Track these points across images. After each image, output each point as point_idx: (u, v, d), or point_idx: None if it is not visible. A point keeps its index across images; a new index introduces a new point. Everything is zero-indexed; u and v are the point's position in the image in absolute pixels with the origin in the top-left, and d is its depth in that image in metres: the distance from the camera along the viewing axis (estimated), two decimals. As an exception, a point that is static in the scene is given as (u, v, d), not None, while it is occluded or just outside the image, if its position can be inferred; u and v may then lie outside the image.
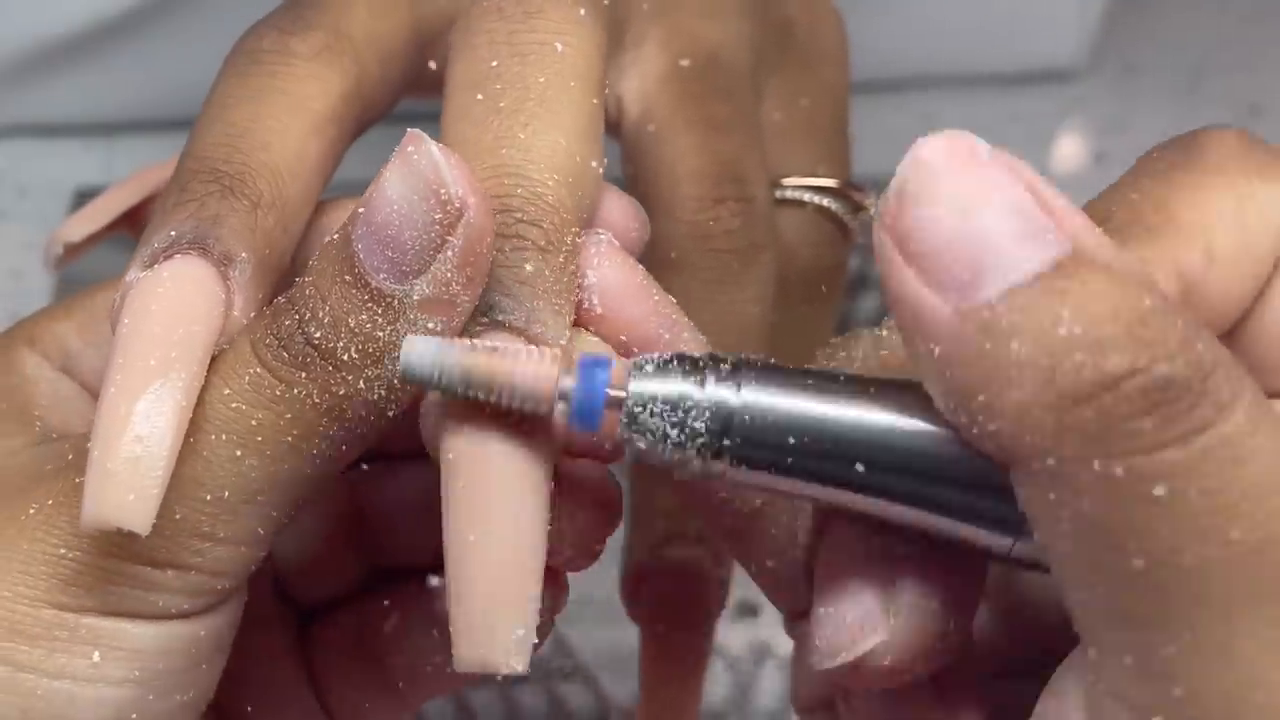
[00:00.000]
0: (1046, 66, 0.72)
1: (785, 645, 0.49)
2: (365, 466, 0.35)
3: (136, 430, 0.27)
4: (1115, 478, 0.23)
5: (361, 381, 0.28)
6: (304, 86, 0.32)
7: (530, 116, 0.30)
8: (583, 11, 0.32)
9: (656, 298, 0.30)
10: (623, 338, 0.30)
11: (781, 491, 0.27)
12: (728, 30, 0.40)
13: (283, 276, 0.31)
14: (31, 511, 0.28)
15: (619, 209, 0.32)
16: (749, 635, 0.49)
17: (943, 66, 0.71)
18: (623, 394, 0.27)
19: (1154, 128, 0.71)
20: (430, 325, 0.28)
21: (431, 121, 0.36)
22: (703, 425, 0.26)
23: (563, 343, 0.29)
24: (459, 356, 0.27)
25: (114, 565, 0.28)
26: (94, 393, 0.34)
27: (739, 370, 0.27)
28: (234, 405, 0.28)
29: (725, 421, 0.26)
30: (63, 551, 0.28)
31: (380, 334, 0.28)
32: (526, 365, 0.27)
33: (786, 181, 0.41)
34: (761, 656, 0.48)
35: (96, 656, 0.28)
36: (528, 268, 0.29)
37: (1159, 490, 0.23)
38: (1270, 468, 0.24)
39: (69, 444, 0.30)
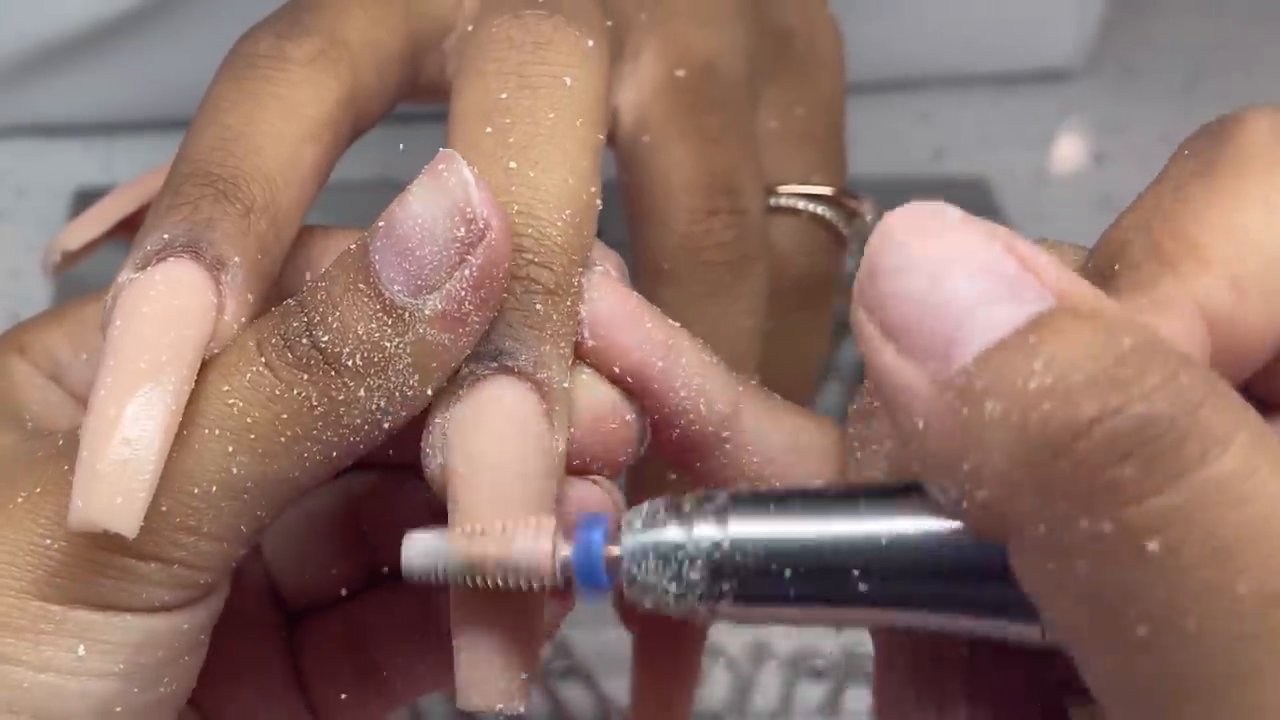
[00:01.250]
0: (1045, 67, 0.72)
1: (784, 646, 0.49)
2: (365, 472, 0.35)
3: (126, 433, 0.27)
4: (1104, 535, 0.21)
5: (362, 390, 0.28)
6: (299, 92, 0.31)
7: (540, 154, 0.30)
8: (591, 43, 0.32)
9: (649, 325, 0.30)
10: (616, 369, 0.30)
11: (800, 620, 0.26)
12: (724, 40, 0.40)
13: (274, 282, 0.31)
14: (19, 500, 0.28)
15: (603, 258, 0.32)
16: (748, 635, 0.49)
17: (942, 66, 0.71)
18: (618, 552, 0.26)
19: (1152, 128, 0.71)
20: (441, 340, 0.28)
21: (425, 122, 0.36)
22: (698, 574, 0.25)
23: (564, 387, 0.29)
24: (456, 549, 0.27)
25: (100, 557, 0.28)
26: (83, 402, 0.33)
27: (724, 506, 0.26)
28: (231, 401, 0.28)
29: (717, 566, 0.25)
30: (49, 542, 0.28)
31: (387, 344, 0.28)
32: (523, 544, 0.27)
33: (781, 189, 0.41)
34: (761, 657, 0.48)
35: (81, 650, 0.28)
36: (538, 310, 0.29)
37: (1152, 545, 0.21)
38: (1276, 510, 0.21)
39: (60, 434, 0.30)
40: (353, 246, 0.29)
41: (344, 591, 0.37)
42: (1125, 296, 0.26)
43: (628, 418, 0.31)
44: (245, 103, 0.31)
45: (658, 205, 0.37)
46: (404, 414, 0.29)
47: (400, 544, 0.35)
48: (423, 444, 0.30)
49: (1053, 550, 0.22)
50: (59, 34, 0.62)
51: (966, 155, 0.68)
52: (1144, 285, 0.26)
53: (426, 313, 0.28)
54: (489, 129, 0.30)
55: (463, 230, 0.28)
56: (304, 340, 0.28)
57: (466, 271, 0.28)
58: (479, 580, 0.27)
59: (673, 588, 0.26)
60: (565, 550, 0.27)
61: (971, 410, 0.22)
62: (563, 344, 0.29)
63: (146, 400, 0.27)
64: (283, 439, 0.28)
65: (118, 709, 0.29)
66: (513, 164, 0.30)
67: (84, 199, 0.61)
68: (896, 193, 0.56)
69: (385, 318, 0.28)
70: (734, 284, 0.37)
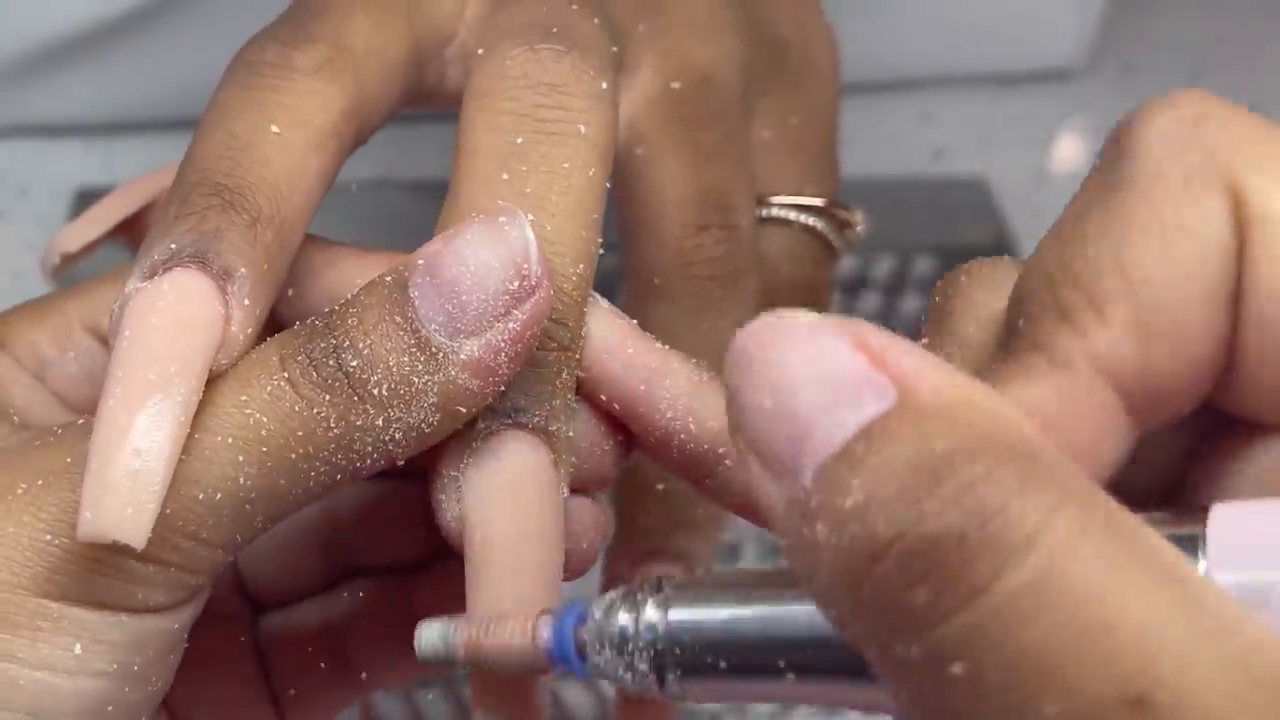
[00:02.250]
0: (1045, 66, 0.72)
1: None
2: None
3: (135, 444, 0.27)
4: (915, 661, 0.20)
5: (381, 419, 0.28)
6: (305, 101, 0.31)
7: (556, 208, 0.30)
8: (604, 85, 0.32)
9: (631, 350, 0.31)
10: (603, 397, 0.31)
11: (754, 698, 0.27)
12: (720, 52, 0.40)
13: (278, 292, 0.31)
14: (19, 491, 0.28)
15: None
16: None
17: (942, 66, 0.71)
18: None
19: (1153, 128, 0.71)
20: (470, 385, 0.29)
21: (425, 122, 0.36)
22: (643, 662, 0.26)
23: (569, 436, 0.30)
24: (462, 639, 0.28)
25: (99, 555, 0.28)
26: (68, 403, 0.34)
27: (667, 596, 0.26)
28: (248, 412, 0.28)
29: (659, 654, 0.26)
30: (49, 538, 0.28)
31: (416, 379, 0.28)
32: (514, 641, 0.28)
33: (774, 200, 0.41)
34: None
35: (78, 648, 0.28)
36: (552, 367, 0.30)
37: (955, 669, 0.20)
38: (1085, 617, 0.19)
39: (58, 426, 0.30)
40: (388, 278, 0.29)
41: (315, 585, 0.37)
42: (1022, 359, 0.24)
43: (605, 448, 0.32)
44: (252, 111, 0.31)
45: (650, 219, 0.37)
46: (415, 449, 0.29)
47: (378, 547, 0.36)
48: (434, 492, 0.31)
49: (885, 671, 0.21)
50: (59, 34, 0.62)
51: (966, 155, 0.68)
52: (1041, 345, 0.24)
53: (462, 356, 0.28)
54: (505, 175, 0.31)
55: (515, 284, 0.28)
56: (331, 361, 0.28)
57: (511, 325, 0.28)
58: (479, 668, 0.28)
59: (626, 675, 0.26)
60: (546, 635, 0.28)
61: (809, 530, 0.21)
62: (569, 395, 0.31)
63: (156, 411, 0.27)
64: (294, 455, 0.28)
65: (109, 708, 0.29)
66: (530, 217, 0.30)
67: (84, 199, 0.61)
68: (897, 193, 0.56)
69: (418, 354, 0.28)
70: (724, 299, 0.37)
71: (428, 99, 0.36)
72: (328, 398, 0.28)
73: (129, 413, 0.27)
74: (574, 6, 0.34)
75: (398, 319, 0.28)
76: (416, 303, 0.28)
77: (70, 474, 0.28)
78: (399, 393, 0.28)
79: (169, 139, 0.65)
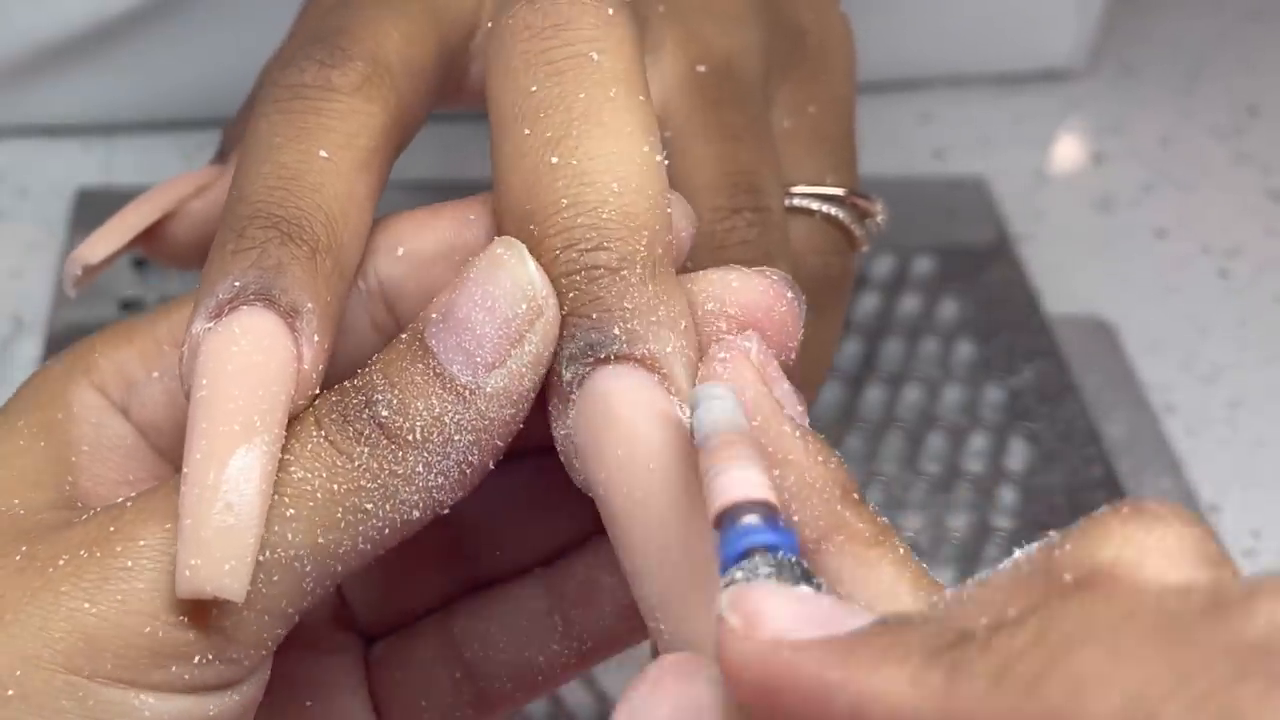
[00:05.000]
0: (1045, 67, 0.72)
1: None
2: None
3: (228, 498, 0.27)
4: None
5: (421, 464, 0.28)
6: (349, 123, 0.31)
7: (579, 139, 0.30)
8: (611, 10, 0.31)
9: (756, 423, 0.29)
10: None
11: None
12: (741, 38, 0.39)
13: (341, 323, 0.31)
14: (60, 563, 0.28)
15: (674, 211, 0.32)
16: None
17: (942, 66, 0.71)
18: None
19: (1152, 128, 0.71)
20: (503, 416, 0.29)
21: (427, 123, 0.36)
22: None
23: (668, 350, 0.29)
24: (718, 436, 0.26)
25: (135, 624, 0.27)
26: (149, 433, 0.33)
27: None
28: (291, 470, 0.28)
29: None
30: (87, 606, 0.27)
31: (448, 419, 0.28)
32: (729, 482, 0.25)
33: (794, 190, 0.41)
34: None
35: None
36: (606, 295, 0.29)
37: None
38: None
39: (95, 510, 0.29)
40: (404, 335, 0.29)
41: (429, 605, 0.36)
42: (940, 662, 0.22)
43: (789, 295, 0.31)
44: (299, 137, 0.31)
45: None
46: (460, 492, 0.29)
47: (499, 550, 0.35)
48: (560, 454, 0.30)
49: None
50: (59, 34, 0.62)
51: (966, 155, 0.68)
52: (959, 674, 0.21)
53: (488, 390, 0.28)
54: (526, 130, 0.30)
55: (524, 307, 0.28)
56: (365, 414, 0.28)
57: (528, 348, 0.28)
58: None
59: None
60: (742, 518, 0.25)
61: None
62: (654, 313, 0.29)
63: (243, 463, 0.27)
64: (339, 511, 0.28)
65: None
66: (554, 159, 0.30)
67: (84, 199, 0.61)
68: (896, 192, 0.56)
69: (445, 394, 0.28)
70: None
71: (453, 98, 0.36)
72: (366, 450, 0.28)
73: (218, 467, 0.27)
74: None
75: (420, 365, 0.28)
76: (435, 348, 0.28)
77: (112, 542, 0.27)
78: (433, 434, 0.28)
79: (169, 139, 0.65)
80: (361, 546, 0.28)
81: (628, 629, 0.34)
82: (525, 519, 0.35)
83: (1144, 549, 0.23)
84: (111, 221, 0.37)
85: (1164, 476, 0.55)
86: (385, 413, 0.28)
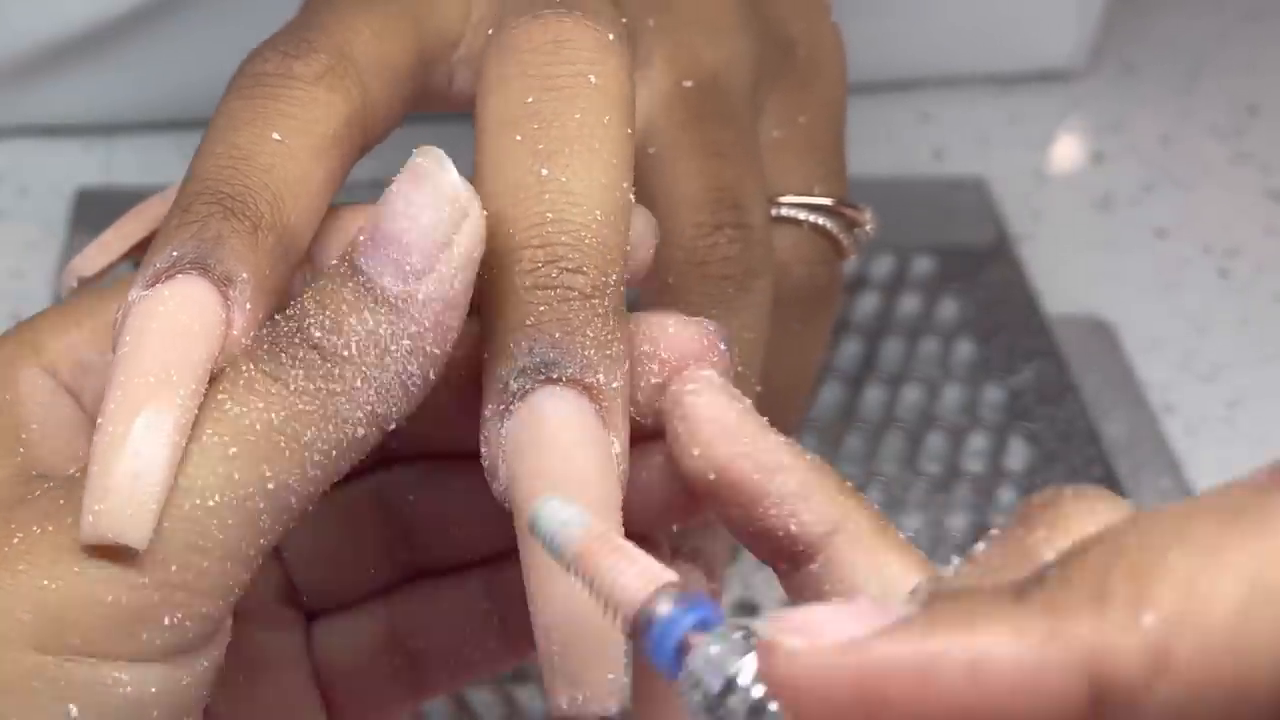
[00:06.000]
0: (1045, 67, 0.72)
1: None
2: (406, 466, 0.35)
3: (135, 446, 0.27)
4: None
5: (360, 379, 0.28)
6: (307, 110, 0.31)
7: (571, 157, 0.30)
8: (611, 36, 0.32)
9: (746, 439, 0.30)
10: (710, 477, 0.30)
11: None
12: (731, 51, 0.39)
13: (281, 299, 0.31)
14: (15, 541, 0.27)
15: (639, 225, 0.32)
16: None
17: (942, 66, 0.71)
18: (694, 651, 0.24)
19: (1152, 128, 0.71)
20: (440, 322, 0.29)
21: (425, 123, 0.36)
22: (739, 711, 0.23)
23: (614, 386, 0.29)
24: (576, 545, 0.25)
25: (96, 593, 0.27)
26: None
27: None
28: (227, 406, 0.28)
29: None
30: (45, 583, 0.27)
31: (382, 330, 0.28)
32: (628, 583, 0.25)
33: (782, 199, 0.41)
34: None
35: (74, 711, 0.27)
36: (576, 317, 0.29)
37: None
38: None
39: (51, 480, 0.29)
40: (333, 261, 0.29)
41: (374, 589, 0.36)
42: (1030, 607, 0.21)
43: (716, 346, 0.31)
44: (254, 121, 0.31)
45: (662, 219, 0.37)
46: (404, 408, 0.29)
47: (445, 543, 0.35)
48: (482, 458, 0.30)
49: None
50: (59, 34, 0.62)
51: (966, 155, 0.68)
52: (1057, 609, 0.21)
53: (420, 296, 0.28)
54: (518, 136, 0.31)
55: (447, 210, 0.29)
56: (296, 339, 0.28)
57: (457, 250, 0.29)
58: (572, 576, 0.25)
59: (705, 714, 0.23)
60: (663, 611, 0.24)
61: None
62: (608, 347, 0.29)
63: (155, 413, 0.27)
64: (281, 439, 0.28)
65: None
66: (544, 171, 0.30)
67: (84, 199, 0.61)
68: (896, 192, 0.56)
69: (378, 307, 0.28)
70: (737, 298, 0.37)
71: (436, 102, 0.36)
72: (301, 372, 0.28)
73: (128, 417, 0.27)
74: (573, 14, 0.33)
75: (350, 285, 0.29)
76: (363, 266, 0.29)
77: (63, 514, 0.27)
78: (368, 347, 0.28)
79: (169, 139, 0.65)
80: (311, 473, 0.28)
81: None
82: (472, 517, 0.35)
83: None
84: (107, 234, 0.38)
85: (1163, 476, 0.55)
86: (318, 333, 0.28)
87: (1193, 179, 0.69)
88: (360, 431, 0.29)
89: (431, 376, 0.29)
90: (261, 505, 0.28)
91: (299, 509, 0.29)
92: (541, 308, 0.29)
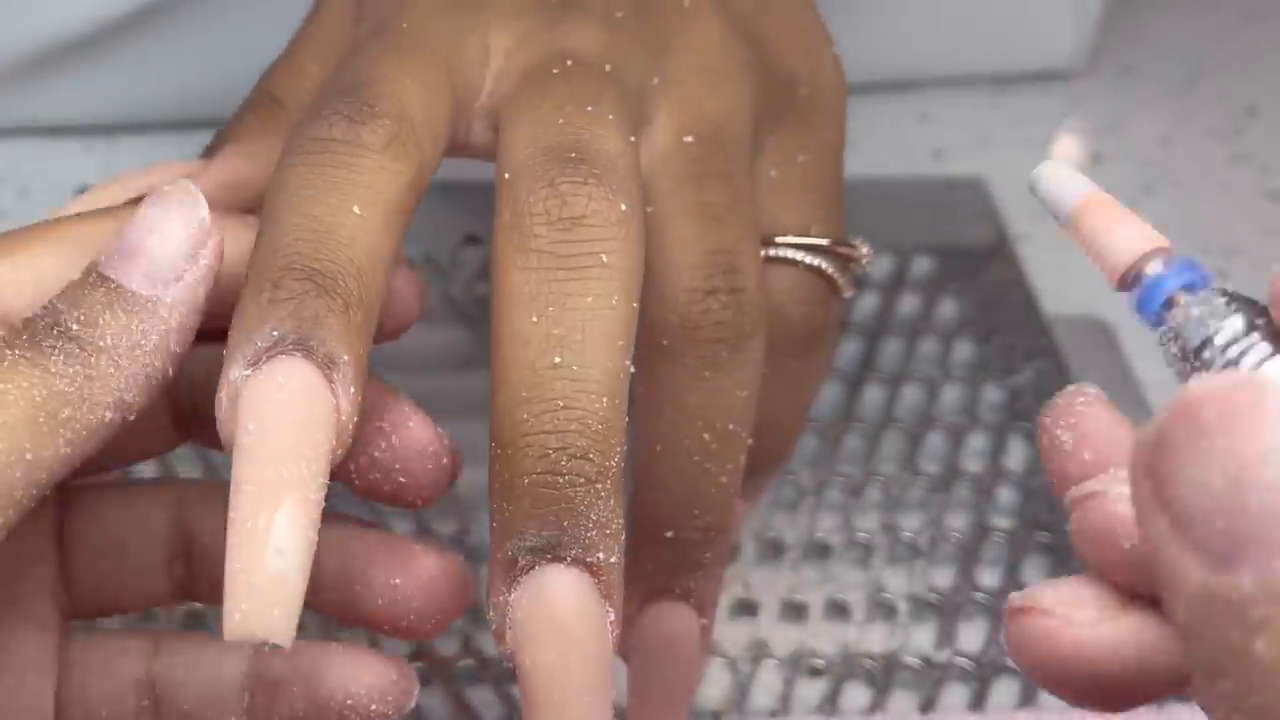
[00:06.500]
0: (1044, 67, 0.72)
1: (783, 644, 0.49)
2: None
3: (277, 544, 0.28)
4: None
5: (113, 367, 0.30)
6: (378, 179, 0.32)
7: (583, 345, 0.32)
8: (624, 207, 0.33)
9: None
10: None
11: None
12: (732, 99, 0.40)
13: (365, 378, 0.31)
14: None
15: None
16: (747, 634, 0.49)
17: (941, 67, 0.71)
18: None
19: (1151, 128, 0.71)
20: (185, 322, 0.31)
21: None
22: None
23: (612, 561, 0.32)
24: (1078, 201, 0.28)
25: None
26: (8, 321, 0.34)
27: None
28: None
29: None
30: None
31: (134, 326, 0.31)
32: (1122, 241, 0.28)
33: (778, 240, 0.42)
34: (760, 655, 0.48)
35: None
36: (581, 501, 0.31)
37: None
38: None
39: None
40: (78, 273, 0.31)
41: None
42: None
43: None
44: (329, 192, 0.32)
45: (657, 282, 0.37)
46: (145, 399, 0.31)
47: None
48: (490, 621, 0.32)
49: None
50: (60, 34, 0.62)
51: (966, 155, 0.68)
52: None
53: (169, 300, 0.31)
54: (534, 318, 0.32)
55: (195, 229, 0.31)
56: (54, 330, 0.30)
57: (202, 263, 0.31)
58: (1062, 228, 0.29)
59: (1181, 361, 0.27)
60: (1153, 269, 0.27)
61: (1239, 636, 0.21)
62: (608, 526, 0.31)
63: (293, 509, 0.28)
64: (41, 416, 0.29)
65: None
66: (558, 359, 0.32)
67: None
68: (895, 193, 0.56)
69: (130, 304, 0.31)
70: (730, 359, 0.37)
71: (455, 152, 0.37)
72: (61, 358, 0.30)
73: (268, 513, 0.28)
74: (590, 106, 0.35)
75: (100, 290, 0.31)
76: (111, 274, 0.31)
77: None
78: (122, 340, 0.30)
79: (169, 139, 0.65)
80: (64, 450, 0.30)
81: None
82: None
83: None
84: (94, 191, 0.38)
85: (1163, 476, 0.55)
86: (75, 326, 0.30)
87: (1192, 180, 0.69)
88: (109, 415, 0.30)
89: (170, 373, 0.31)
90: (18, 475, 0.29)
91: (47, 484, 0.30)
92: (552, 493, 0.31)
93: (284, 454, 0.28)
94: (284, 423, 0.29)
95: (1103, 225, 0.27)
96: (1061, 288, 0.62)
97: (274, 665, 0.36)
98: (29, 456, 0.29)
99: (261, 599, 0.27)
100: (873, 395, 0.56)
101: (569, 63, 0.37)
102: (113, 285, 0.31)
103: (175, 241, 0.31)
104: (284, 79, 0.41)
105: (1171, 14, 0.77)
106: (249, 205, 0.38)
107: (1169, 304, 0.26)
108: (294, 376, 0.29)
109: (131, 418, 0.31)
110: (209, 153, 0.40)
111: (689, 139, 0.38)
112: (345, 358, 0.30)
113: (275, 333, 0.30)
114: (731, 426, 0.38)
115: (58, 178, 0.64)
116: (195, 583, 0.38)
